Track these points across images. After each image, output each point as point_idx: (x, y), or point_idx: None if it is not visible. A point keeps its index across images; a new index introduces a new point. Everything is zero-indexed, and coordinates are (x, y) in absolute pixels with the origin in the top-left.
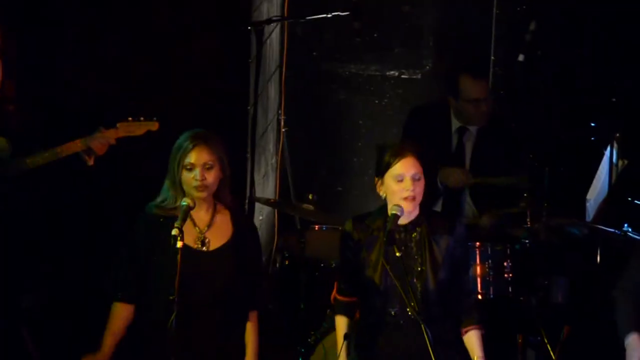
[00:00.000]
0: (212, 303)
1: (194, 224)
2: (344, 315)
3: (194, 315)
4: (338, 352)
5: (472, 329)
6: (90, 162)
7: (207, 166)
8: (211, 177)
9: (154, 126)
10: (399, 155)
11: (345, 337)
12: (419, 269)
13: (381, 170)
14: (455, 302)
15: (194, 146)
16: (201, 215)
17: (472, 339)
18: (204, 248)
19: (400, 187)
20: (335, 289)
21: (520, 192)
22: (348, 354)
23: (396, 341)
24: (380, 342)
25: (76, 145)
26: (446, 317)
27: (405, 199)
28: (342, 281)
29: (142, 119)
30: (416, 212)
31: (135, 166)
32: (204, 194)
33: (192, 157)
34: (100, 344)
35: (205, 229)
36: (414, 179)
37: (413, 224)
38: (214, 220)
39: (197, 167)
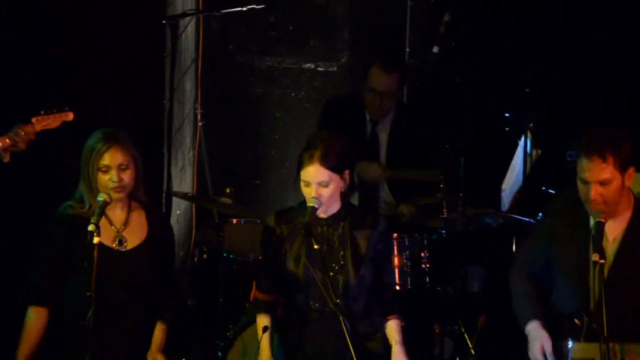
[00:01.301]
0: (129, 301)
1: (110, 223)
2: (266, 313)
3: (112, 314)
4: (259, 346)
5: (391, 319)
6: (7, 159)
7: (123, 167)
8: (127, 177)
9: (69, 116)
10: (307, 160)
11: (264, 329)
12: (341, 263)
13: (297, 167)
14: (377, 295)
15: (107, 147)
16: (117, 213)
17: (391, 327)
18: (122, 247)
19: (307, 191)
20: (254, 288)
21: (436, 183)
22: (270, 348)
23: (318, 335)
24: (302, 337)
25: None
26: (368, 311)
27: (313, 201)
28: (263, 278)
29: (54, 110)
30: (337, 206)
31: (47, 166)
32: (121, 195)
33: (107, 159)
34: (17, 355)
35: (122, 227)
36: (320, 185)
37: (335, 218)
38: (130, 218)
39: (113, 168)
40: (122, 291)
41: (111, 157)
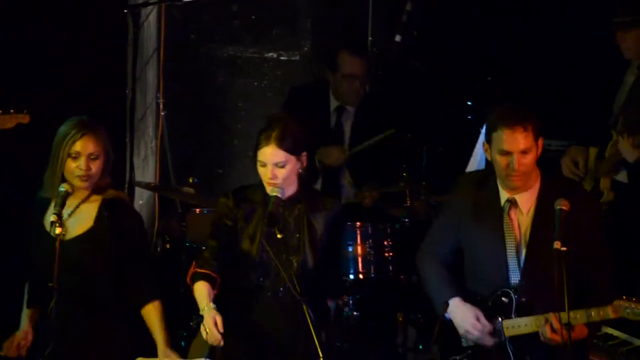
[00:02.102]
0: (74, 291)
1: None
2: (204, 281)
3: (67, 303)
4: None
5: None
6: None
7: (93, 156)
8: (95, 167)
9: (25, 119)
10: (263, 141)
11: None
12: (297, 245)
13: (254, 148)
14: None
15: (82, 135)
16: (68, 203)
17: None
18: (61, 237)
19: (263, 171)
20: (193, 265)
21: (400, 172)
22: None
23: (268, 315)
24: (252, 315)
25: None
26: (318, 293)
27: (267, 183)
28: (210, 252)
29: (12, 111)
30: (294, 189)
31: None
32: (86, 184)
33: (79, 146)
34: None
35: (66, 218)
36: (277, 166)
37: (292, 200)
38: (78, 208)
39: (83, 156)
40: (71, 280)
41: (84, 145)
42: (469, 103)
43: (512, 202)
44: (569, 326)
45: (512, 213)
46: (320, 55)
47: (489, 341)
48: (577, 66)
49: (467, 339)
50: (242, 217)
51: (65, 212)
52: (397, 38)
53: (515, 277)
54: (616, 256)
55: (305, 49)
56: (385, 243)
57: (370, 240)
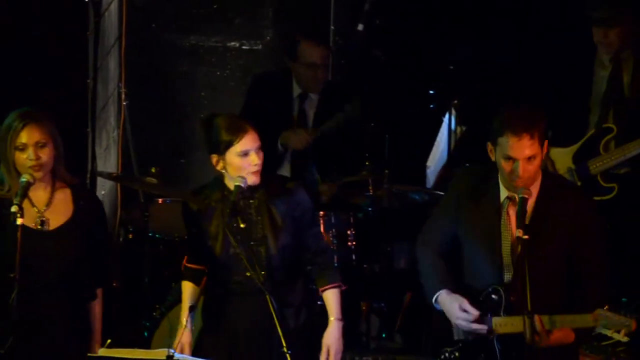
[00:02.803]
0: (56, 282)
1: (32, 204)
2: (190, 281)
3: (39, 296)
4: (181, 319)
5: (328, 288)
6: None
7: (40, 144)
8: (45, 155)
9: None
10: (240, 131)
11: (191, 309)
12: (260, 234)
13: (219, 149)
14: (303, 263)
15: (24, 125)
16: (39, 194)
17: (328, 299)
18: (44, 228)
19: (247, 161)
20: (185, 258)
21: (362, 161)
22: (193, 323)
23: (241, 309)
24: (226, 311)
25: None
26: (291, 280)
27: (254, 173)
28: (191, 250)
29: None
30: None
31: None
32: (40, 174)
33: (24, 137)
34: None
35: (43, 208)
36: (258, 152)
37: (251, 189)
38: (53, 199)
39: (30, 146)
40: (47, 272)
41: (28, 135)
42: (431, 92)
43: (512, 200)
44: (530, 314)
45: (511, 210)
46: (283, 44)
47: (479, 328)
48: (545, 58)
49: (459, 331)
50: (203, 217)
51: (42, 204)
52: (360, 27)
53: (509, 275)
54: (613, 256)
55: (268, 38)
56: (349, 232)
57: (333, 230)
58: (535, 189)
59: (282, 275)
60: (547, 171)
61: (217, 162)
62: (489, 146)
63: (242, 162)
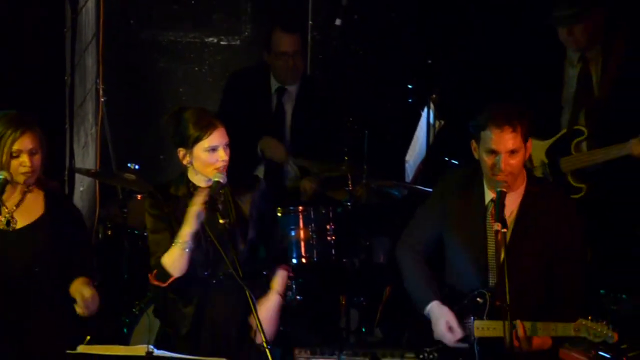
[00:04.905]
0: (24, 282)
1: (2, 204)
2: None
3: (10, 294)
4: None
5: (280, 269)
6: None
7: (33, 152)
8: (37, 161)
9: None
10: (209, 127)
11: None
12: (228, 230)
13: (187, 143)
14: (261, 266)
15: (22, 132)
16: (11, 195)
17: (276, 275)
18: (9, 227)
19: (215, 157)
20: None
21: (341, 156)
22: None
23: (215, 304)
24: (205, 307)
25: None
26: (256, 273)
27: (221, 168)
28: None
29: None
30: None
31: None
32: (32, 180)
33: (20, 144)
34: None
35: (13, 208)
36: (226, 148)
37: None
38: (23, 200)
39: (24, 153)
40: (14, 272)
41: (24, 143)
42: (410, 86)
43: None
44: (507, 306)
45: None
46: (261, 40)
47: (461, 345)
48: (522, 51)
49: None
50: (171, 215)
51: (12, 204)
52: (338, 22)
53: (493, 279)
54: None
55: (246, 33)
56: (328, 227)
57: (312, 225)
58: (519, 193)
59: (249, 269)
60: (532, 175)
61: (184, 156)
62: (473, 144)
63: (209, 158)
